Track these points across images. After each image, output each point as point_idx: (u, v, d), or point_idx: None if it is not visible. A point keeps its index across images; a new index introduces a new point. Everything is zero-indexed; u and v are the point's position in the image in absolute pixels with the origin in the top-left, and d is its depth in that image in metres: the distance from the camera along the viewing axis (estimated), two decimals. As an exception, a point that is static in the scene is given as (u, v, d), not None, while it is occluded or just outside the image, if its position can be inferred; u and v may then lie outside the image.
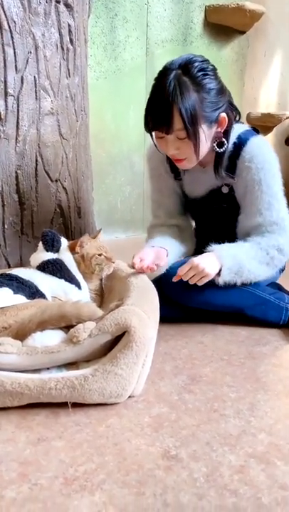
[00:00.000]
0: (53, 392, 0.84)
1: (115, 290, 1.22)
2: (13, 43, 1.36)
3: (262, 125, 3.06)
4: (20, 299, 1.04)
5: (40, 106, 1.47)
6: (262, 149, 1.23)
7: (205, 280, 1.17)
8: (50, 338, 0.93)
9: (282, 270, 1.39)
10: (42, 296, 1.11)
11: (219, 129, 1.21)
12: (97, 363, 0.89)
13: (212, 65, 1.17)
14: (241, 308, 1.28)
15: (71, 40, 1.53)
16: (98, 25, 2.25)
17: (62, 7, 1.47)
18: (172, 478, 0.69)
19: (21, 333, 0.94)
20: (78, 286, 1.20)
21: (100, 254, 1.26)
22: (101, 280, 1.30)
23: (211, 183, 1.33)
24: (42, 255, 1.22)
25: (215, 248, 1.22)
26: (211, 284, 1.20)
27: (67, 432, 0.81)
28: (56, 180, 1.57)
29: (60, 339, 0.94)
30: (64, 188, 1.60)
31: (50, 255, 1.22)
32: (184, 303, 1.27)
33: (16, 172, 1.46)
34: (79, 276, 1.23)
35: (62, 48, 1.51)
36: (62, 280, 1.17)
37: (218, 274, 1.19)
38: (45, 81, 1.46)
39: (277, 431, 0.82)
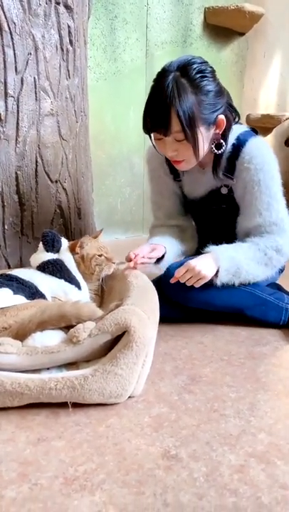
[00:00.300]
0: (53, 392, 0.84)
1: (115, 290, 1.23)
2: (13, 44, 1.36)
3: (261, 126, 3.07)
4: (20, 299, 1.04)
5: (40, 107, 1.47)
6: (261, 150, 1.23)
7: (202, 282, 1.17)
8: (50, 338, 0.93)
9: (281, 270, 1.40)
10: (42, 296, 1.11)
11: (218, 131, 1.21)
12: (97, 363, 0.89)
13: (210, 67, 1.17)
14: (241, 308, 1.29)
15: (71, 42, 1.54)
16: (98, 26, 2.25)
17: (62, 9, 1.48)
18: (172, 478, 0.69)
19: (21, 334, 0.94)
20: (78, 286, 1.20)
21: (100, 255, 1.26)
22: (101, 280, 1.30)
23: (210, 184, 1.33)
24: (42, 255, 1.22)
25: (212, 249, 1.22)
26: (211, 285, 1.20)
27: (67, 432, 0.81)
28: (56, 181, 1.57)
29: (60, 339, 0.94)
30: (64, 189, 1.61)
31: (50, 255, 1.22)
32: (183, 303, 1.27)
33: (16, 173, 1.46)
34: (79, 277, 1.23)
35: (62, 50, 1.52)
36: (62, 280, 1.17)
37: (216, 275, 1.19)
38: (45, 82, 1.47)
39: (277, 431, 0.82)
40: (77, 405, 0.87)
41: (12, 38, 1.36)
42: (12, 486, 0.68)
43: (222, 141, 1.22)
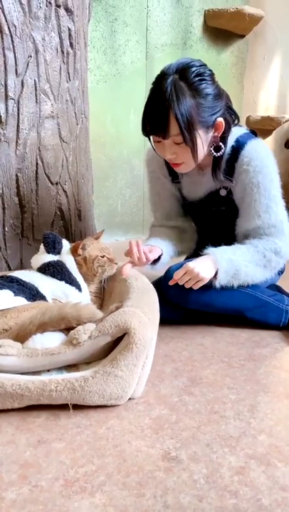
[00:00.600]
0: (54, 394, 0.84)
1: (115, 292, 1.23)
2: (13, 46, 1.37)
3: (261, 128, 3.07)
4: (21, 301, 1.04)
5: (41, 109, 1.48)
6: (260, 152, 1.23)
7: (200, 284, 1.17)
8: (51, 340, 0.93)
9: (281, 272, 1.40)
10: (42, 298, 1.11)
11: (216, 134, 1.21)
12: (97, 365, 0.89)
13: (209, 70, 1.17)
14: (241, 310, 1.29)
15: (71, 44, 1.55)
16: (98, 29, 2.26)
17: (62, 11, 1.48)
18: (172, 480, 0.69)
19: (22, 335, 0.94)
20: (79, 288, 1.20)
21: (102, 256, 1.26)
22: (102, 282, 1.30)
23: (210, 186, 1.33)
24: (43, 257, 1.22)
25: (211, 251, 1.22)
26: (211, 287, 1.20)
27: (68, 434, 0.81)
28: (56, 183, 1.58)
29: (60, 341, 0.94)
30: (64, 191, 1.61)
31: (51, 257, 1.22)
32: (184, 305, 1.27)
33: (17, 175, 1.47)
34: (79, 279, 1.23)
35: (63, 52, 1.52)
36: (63, 282, 1.17)
37: (215, 276, 1.19)
38: (45, 84, 1.47)
39: (278, 432, 0.82)
40: (77, 407, 0.87)
41: (12, 41, 1.36)
42: (12, 487, 0.68)
43: (221, 143, 1.22)
